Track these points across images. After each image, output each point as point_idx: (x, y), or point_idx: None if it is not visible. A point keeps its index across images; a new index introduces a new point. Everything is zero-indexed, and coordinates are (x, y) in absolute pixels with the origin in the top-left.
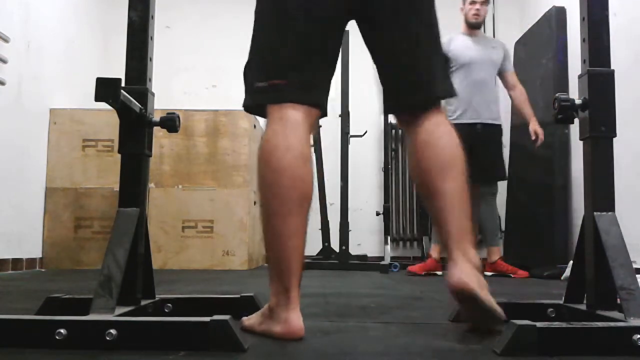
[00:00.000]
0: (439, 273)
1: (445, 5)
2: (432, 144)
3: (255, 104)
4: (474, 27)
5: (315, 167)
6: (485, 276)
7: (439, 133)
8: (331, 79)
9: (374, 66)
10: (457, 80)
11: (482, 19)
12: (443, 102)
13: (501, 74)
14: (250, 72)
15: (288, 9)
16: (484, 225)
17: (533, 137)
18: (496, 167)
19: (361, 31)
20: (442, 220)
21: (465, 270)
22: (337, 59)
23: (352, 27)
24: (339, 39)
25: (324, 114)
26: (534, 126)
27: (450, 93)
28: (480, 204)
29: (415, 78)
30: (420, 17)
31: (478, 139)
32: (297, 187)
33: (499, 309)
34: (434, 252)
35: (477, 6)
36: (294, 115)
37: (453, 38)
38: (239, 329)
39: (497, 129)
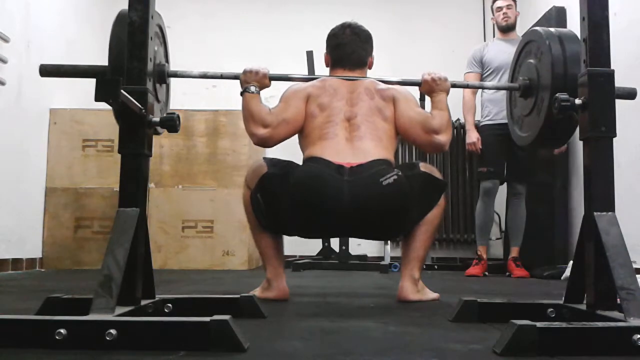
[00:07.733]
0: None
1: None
2: None
3: None
4: (506, 30)
5: None
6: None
7: None
8: None
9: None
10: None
11: (513, 21)
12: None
13: None
14: None
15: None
16: (507, 225)
17: None
18: (520, 169)
19: None
20: (408, 249)
21: (407, 286)
22: None
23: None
24: None
25: None
26: None
27: None
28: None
29: None
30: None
31: (510, 139)
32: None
33: (432, 297)
34: (484, 252)
35: (504, 10)
36: None
37: (488, 44)
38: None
39: None
